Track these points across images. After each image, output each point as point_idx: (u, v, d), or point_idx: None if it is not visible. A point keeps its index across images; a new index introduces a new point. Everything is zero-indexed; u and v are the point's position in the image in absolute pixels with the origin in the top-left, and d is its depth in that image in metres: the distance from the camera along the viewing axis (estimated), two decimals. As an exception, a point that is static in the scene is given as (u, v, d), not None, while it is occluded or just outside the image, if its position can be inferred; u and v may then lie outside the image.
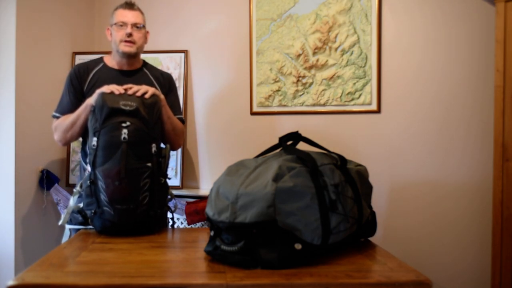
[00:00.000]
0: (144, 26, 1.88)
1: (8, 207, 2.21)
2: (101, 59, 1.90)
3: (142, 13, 1.89)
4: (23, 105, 2.26)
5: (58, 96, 1.87)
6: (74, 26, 2.66)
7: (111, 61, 1.88)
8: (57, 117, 1.79)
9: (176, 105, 1.92)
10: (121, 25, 1.82)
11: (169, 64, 2.64)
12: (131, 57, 1.85)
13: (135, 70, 1.89)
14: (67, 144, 1.79)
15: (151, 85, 1.77)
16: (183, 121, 1.90)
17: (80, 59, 2.62)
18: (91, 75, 1.83)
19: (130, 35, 1.80)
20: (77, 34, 2.69)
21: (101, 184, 1.42)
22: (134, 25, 1.83)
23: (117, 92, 1.51)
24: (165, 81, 1.93)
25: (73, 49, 2.66)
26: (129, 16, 1.83)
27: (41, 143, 2.38)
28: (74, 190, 1.56)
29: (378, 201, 2.35)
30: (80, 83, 1.81)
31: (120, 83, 1.60)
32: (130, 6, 1.86)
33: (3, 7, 2.22)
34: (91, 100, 1.57)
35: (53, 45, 2.51)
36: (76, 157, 2.59)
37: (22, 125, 2.25)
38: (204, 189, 2.62)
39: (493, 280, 2.05)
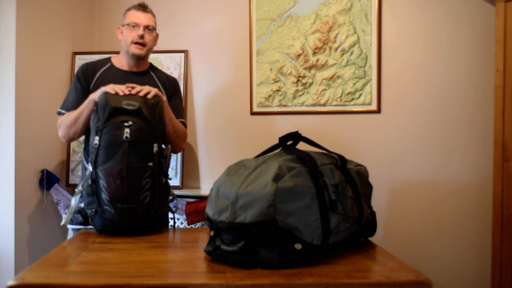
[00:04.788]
0: (155, 29, 1.91)
1: (8, 207, 2.21)
2: (108, 59, 1.91)
3: (154, 15, 1.92)
4: (23, 104, 2.26)
5: (58, 96, 1.87)
6: (74, 27, 2.66)
7: (119, 61, 1.90)
8: (62, 114, 1.80)
9: (179, 109, 1.93)
10: (133, 26, 1.84)
11: (169, 64, 2.64)
12: (140, 59, 1.88)
13: (142, 72, 1.91)
14: (70, 141, 1.80)
15: (156, 87, 1.78)
16: (185, 125, 1.90)
17: (80, 59, 2.62)
18: (97, 74, 1.85)
19: (142, 37, 1.83)
20: (77, 34, 2.69)
21: (102, 182, 1.42)
22: (146, 27, 1.85)
23: (121, 93, 1.52)
24: (170, 85, 1.94)
25: (73, 49, 2.66)
26: (141, 18, 1.85)
27: (41, 143, 2.38)
28: (76, 190, 1.56)
29: (378, 202, 2.35)
30: (86, 81, 1.83)
31: (125, 83, 1.61)
32: (143, 8, 1.88)
33: (3, 6, 2.22)
34: (94, 96, 1.58)
35: (53, 45, 2.51)
36: (76, 157, 2.59)
37: (22, 125, 2.25)
38: (204, 189, 2.62)
39: (493, 280, 2.05)
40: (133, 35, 1.83)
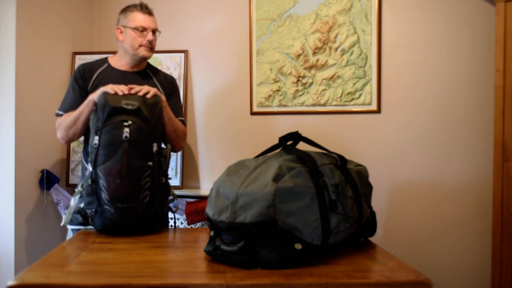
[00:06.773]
0: (159, 32, 1.92)
1: (8, 207, 2.21)
2: (105, 60, 1.90)
3: (154, 16, 1.91)
4: (23, 104, 2.26)
5: (58, 96, 1.87)
6: (74, 27, 2.66)
7: (117, 62, 1.89)
8: (60, 115, 1.79)
9: (178, 107, 1.92)
10: (142, 31, 1.83)
11: (169, 64, 2.64)
12: (144, 60, 1.88)
13: (140, 71, 1.90)
14: (69, 142, 1.80)
15: (154, 86, 1.78)
16: (184, 123, 1.90)
17: (80, 59, 2.62)
18: (95, 75, 1.84)
19: (151, 42, 1.83)
20: (77, 34, 2.69)
21: (102, 182, 1.42)
22: (154, 31, 1.86)
23: (120, 93, 1.52)
24: (168, 84, 1.94)
25: (73, 49, 2.66)
26: (148, 22, 1.84)
27: (41, 143, 2.38)
28: (76, 190, 1.56)
29: (378, 202, 2.35)
30: (84, 82, 1.82)
31: (123, 84, 1.61)
32: (148, 11, 1.87)
33: (3, 6, 2.22)
34: (93, 96, 1.58)
35: (53, 45, 2.51)
36: (76, 157, 2.59)
37: (22, 125, 2.25)
38: (204, 189, 2.62)
39: (493, 280, 2.05)
40: (142, 40, 1.82)
